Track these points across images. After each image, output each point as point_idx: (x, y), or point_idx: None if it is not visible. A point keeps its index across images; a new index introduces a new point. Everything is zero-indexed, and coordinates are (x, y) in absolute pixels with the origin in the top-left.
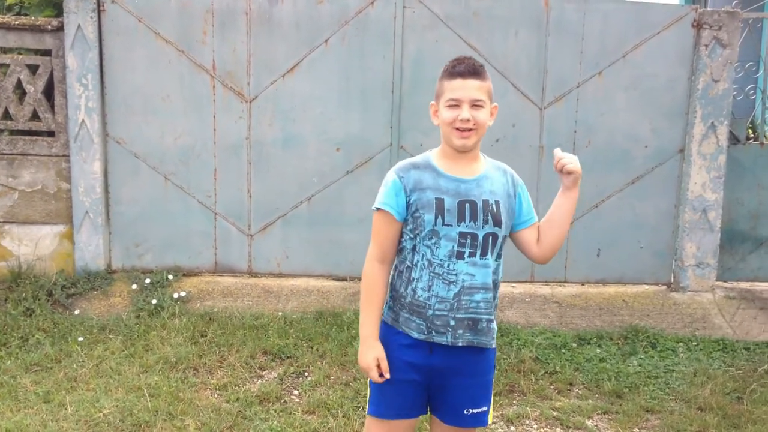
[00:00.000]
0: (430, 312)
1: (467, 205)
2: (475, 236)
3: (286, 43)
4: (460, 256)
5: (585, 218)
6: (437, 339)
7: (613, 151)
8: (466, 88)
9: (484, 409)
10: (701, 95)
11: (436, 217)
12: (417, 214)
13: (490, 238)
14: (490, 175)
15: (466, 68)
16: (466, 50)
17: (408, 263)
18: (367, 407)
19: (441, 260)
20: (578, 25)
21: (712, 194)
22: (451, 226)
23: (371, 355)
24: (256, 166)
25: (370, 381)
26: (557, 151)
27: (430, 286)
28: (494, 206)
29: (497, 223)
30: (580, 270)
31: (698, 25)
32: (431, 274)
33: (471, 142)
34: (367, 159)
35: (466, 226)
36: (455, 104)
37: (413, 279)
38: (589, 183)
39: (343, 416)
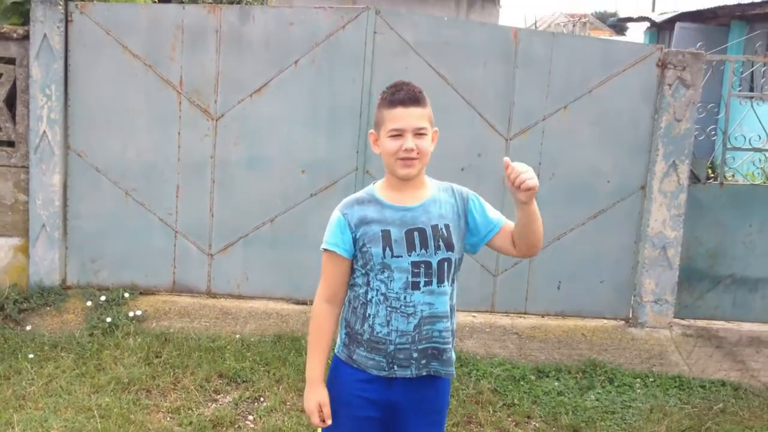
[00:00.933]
0: (392, 347)
1: (416, 234)
2: (428, 264)
3: (256, 62)
4: (415, 286)
5: (547, 250)
6: (400, 373)
7: (576, 185)
8: (407, 117)
9: None
10: (664, 134)
11: (384, 250)
12: (364, 249)
13: (445, 264)
14: (437, 199)
15: (406, 96)
16: (435, 78)
17: (362, 299)
18: None
19: (396, 293)
20: (546, 59)
21: (672, 232)
22: (401, 257)
23: (314, 399)
24: (220, 185)
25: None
26: (508, 160)
27: (388, 321)
28: (444, 231)
29: (449, 247)
30: (541, 302)
31: (663, 65)
32: (388, 308)
33: (415, 170)
34: (332, 182)
35: (418, 255)
36: (397, 134)
37: (369, 315)
38: (551, 215)
39: None
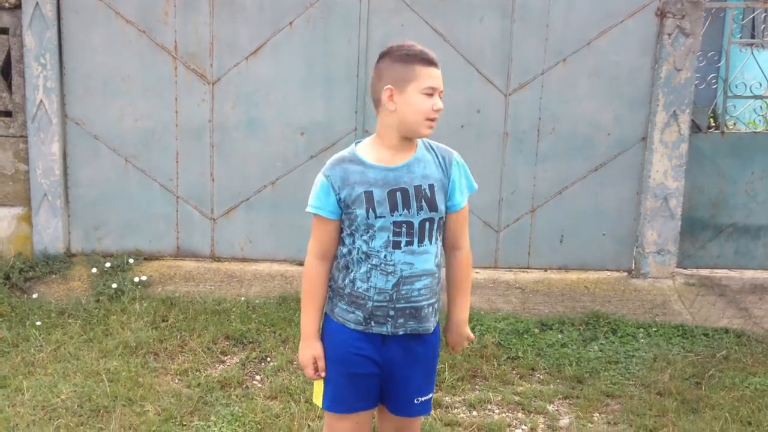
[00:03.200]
0: (370, 304)
1: (398, 194)
2: (410, 224)
3: (250, 25)
4: (396, 245)
5: (548, 205)
6: (376, 330)
7: (576, 139)
8: (439, 77)
9: (430, 396)
10: (664, 84)
11: (367, 211)
12: (349, 210)
13: (427, 224)
14: (421, 158)
15: (434, 58)
16: (432, 35)
17: (347, 256)
18: (319, 402)
19: (377, 251)
20: (543, 12)
21: (674, 182)
22: (384, 217)
23: (309, 353)
24: (219, 149)
25: (326, 376)
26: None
27: (368, 278)
28: (428, 191)
29: (432, 207)
30: (543, 256)
31: (662, 14)
32: (369, 265)
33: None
34: (331, 143)
35: (400, 215)
36: (432, 92)
37: (351, 271)
38: (552, 170)
39: (306, 402)
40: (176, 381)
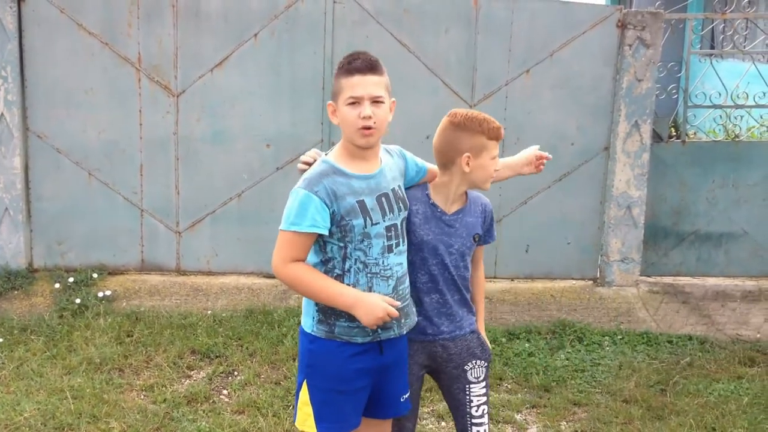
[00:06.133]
0: None
1: (384, 199)
2: (396, 226)
3: (215, 36)
4: (390, 249)
5: (514, 215)
6: (384, 335)
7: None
8: (364, 84)
9: (409, 392)
10: (625, 94)
11: (365, 220)
12: (343, 223)
13: (404, 223)
14: (386, 162)
15: (363, 64)
16: (397, 47)
17: (338, 271)
18: (310, 425)
19: (375, 259)
20: (507, 23)
21: (636, 191)
22: (379, 223)
23: (376, 301)
24: (184, 162)
25: (314, 398)
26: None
27: (370, 287)
28: (399, 191)
29: (406, 207)
30: (510, 266)
31: (622, 25)
32: (368, 274)
33: (374, 139)
34: (297, 155)
35: (389, 219)
36: (355, 101)
37: (348, 285)
38: (517, 180)
39: (273, 415)
40: (142, 397)
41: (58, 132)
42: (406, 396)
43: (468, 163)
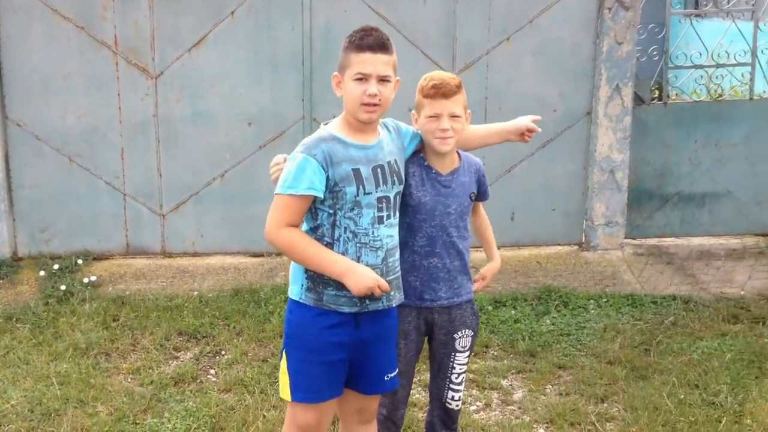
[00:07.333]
0: None
1: (379, 170)
2: (388, 199)
3: (191, 16)
4: (380, 221)
5: (498, 183)
6: (372, 306)
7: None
8: (374, 62)
9: (396, 371)
10: (606, 58)
11: (357, 188)
12: (336, 188)
13: (397, 197)
14: (383, 136)
15: (374, 41)
16: (376, 19)
17: (328, 239)
18: (286, 393)
19: (365, 229)
20: None
21: (619, 155)
22: (371, 193)
23: (367, 271)
24: (166, 144)
25: (290, 367)
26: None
27: (359, 257)
28: (396, 165)
29: (401, 181)
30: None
31: None
32: (358, 244)
33: (376, 116)
34: (279, 133)
35: (381, 190)
36: (362, 78)
37: (339, 254)
38: (501, 148)
39: (261, 392)
40: (129, 380)
41: (37, 119)
42: (393, 374)
43: (416, 121)
